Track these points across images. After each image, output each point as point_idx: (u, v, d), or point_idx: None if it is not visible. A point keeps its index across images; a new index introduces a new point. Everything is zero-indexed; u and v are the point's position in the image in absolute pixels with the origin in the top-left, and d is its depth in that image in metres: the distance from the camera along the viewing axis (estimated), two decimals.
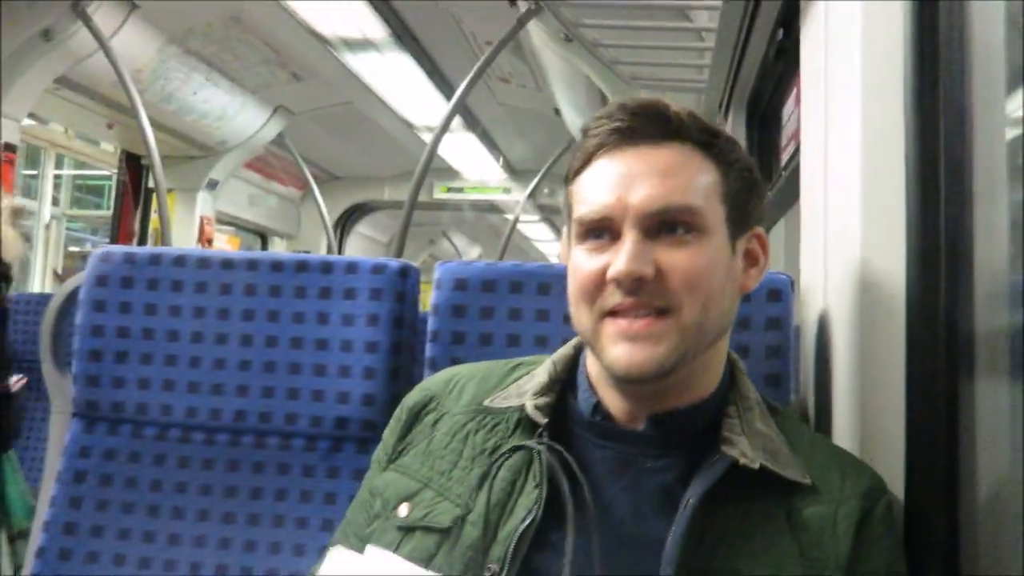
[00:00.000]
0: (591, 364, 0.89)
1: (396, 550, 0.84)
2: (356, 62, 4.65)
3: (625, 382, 0.82)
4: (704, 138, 0.84)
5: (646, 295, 0.79)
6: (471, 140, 6.32)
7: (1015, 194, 0.91)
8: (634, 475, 0.84)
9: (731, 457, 0.81)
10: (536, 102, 5.06)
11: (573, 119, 4.26)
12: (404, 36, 4.34)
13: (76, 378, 1.30)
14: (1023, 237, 0.93)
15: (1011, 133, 0.92)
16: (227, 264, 1.29)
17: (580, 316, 0.84)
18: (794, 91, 1.75)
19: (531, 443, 0.85)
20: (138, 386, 1.29)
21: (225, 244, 6.96)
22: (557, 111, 4.52)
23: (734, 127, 2.51)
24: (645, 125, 0.82)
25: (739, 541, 0.80)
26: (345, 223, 8.71)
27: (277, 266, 1.28)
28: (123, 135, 4.82)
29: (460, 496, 0.85)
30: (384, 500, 0.90)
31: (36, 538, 1.28)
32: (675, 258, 0.79)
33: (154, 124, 3.98)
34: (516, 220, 7.21)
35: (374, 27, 4.14)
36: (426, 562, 0.82)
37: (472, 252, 11.64)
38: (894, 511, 0.86)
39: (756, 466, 0.80)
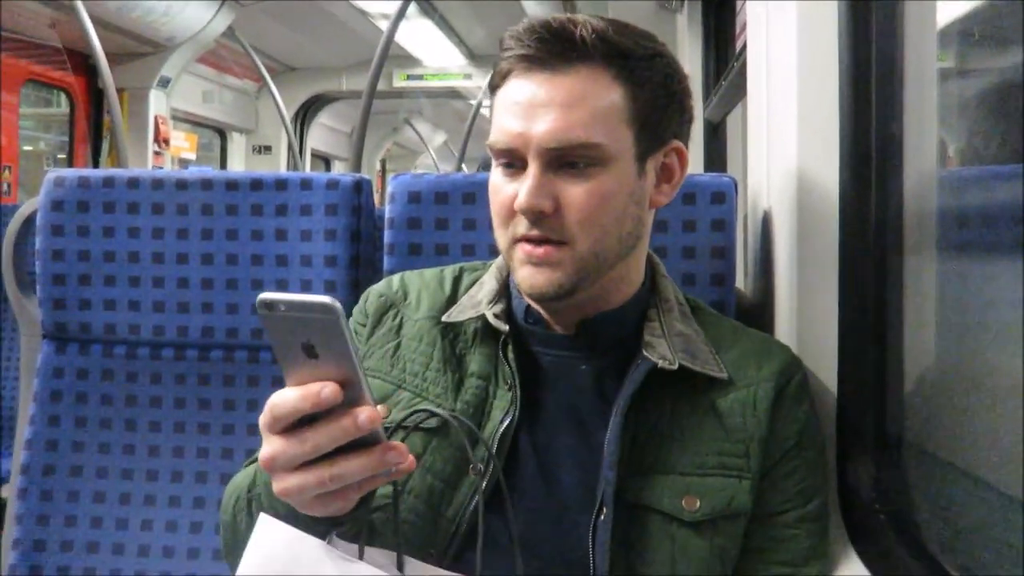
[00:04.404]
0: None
1: None
2: None
3: (533, 299, 0.90)
4: (613, 58, 0.83)
5: (546, 227, 0.83)
6: (428, 27, 6.16)
7: (942, 98, 0.95)
8: (572, 378, 0.91)
9: (651, 361, 0.87)
10: None
11: (532, 5, 4.16)
12: None
13: (42, 302, 1.32)
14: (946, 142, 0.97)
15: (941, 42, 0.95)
16: (182, 185, 1.30)
17: (498, 236, 0.90)
18: None
19: (501, 348, 0.91)
20: (104, 307, 1.32)
21: (183, 142, 6.83)
22: None
23: (689, 13, 2.48)
24: (551, 49, 0.82)
25: (670, 436, 0.87)
26: (305, 115, 8.55)
27: (232, 185, 1.29)
28: (67, 34, 4.65)
29: (439, 397, 0.90)
30: None
31: (19, 455, 1.32)
32: (573, 193, 0.83)
33: (98, 22, 3.86)
34: (479, 105, 7.11)
35: None
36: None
37: (436, 139, 11.49)
38: (808, 384, 0.93)
39: (675, 367, 0.86)
